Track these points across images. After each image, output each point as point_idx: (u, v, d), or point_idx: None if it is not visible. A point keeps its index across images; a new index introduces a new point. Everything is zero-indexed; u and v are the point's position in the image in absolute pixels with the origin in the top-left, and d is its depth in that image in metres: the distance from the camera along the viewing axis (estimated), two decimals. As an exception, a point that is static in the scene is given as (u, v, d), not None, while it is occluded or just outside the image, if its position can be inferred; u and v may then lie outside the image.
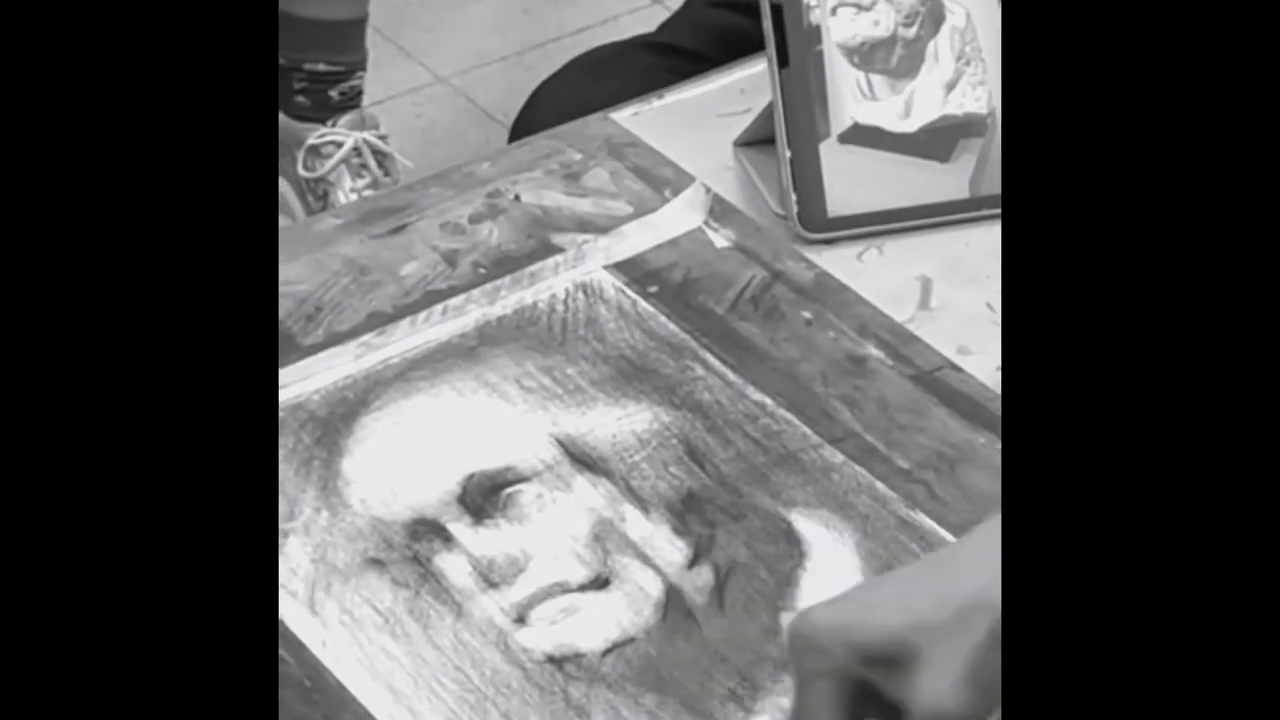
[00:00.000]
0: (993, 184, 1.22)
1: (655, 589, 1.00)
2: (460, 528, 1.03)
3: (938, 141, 1.22)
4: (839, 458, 1.06)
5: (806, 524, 1.03)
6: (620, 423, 1.08)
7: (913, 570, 0.89)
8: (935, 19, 1.22)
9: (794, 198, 1.20)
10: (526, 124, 1.48)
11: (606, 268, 1.17)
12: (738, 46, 1.36)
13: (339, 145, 2.12)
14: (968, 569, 0.81)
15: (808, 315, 1.15)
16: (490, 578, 1.00)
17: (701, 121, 1.28)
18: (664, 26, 1.61)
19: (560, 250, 1.18)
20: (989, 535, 0.83)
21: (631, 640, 0.98)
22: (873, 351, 1.13)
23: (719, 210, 1.21)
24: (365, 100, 2.22)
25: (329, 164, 2.12)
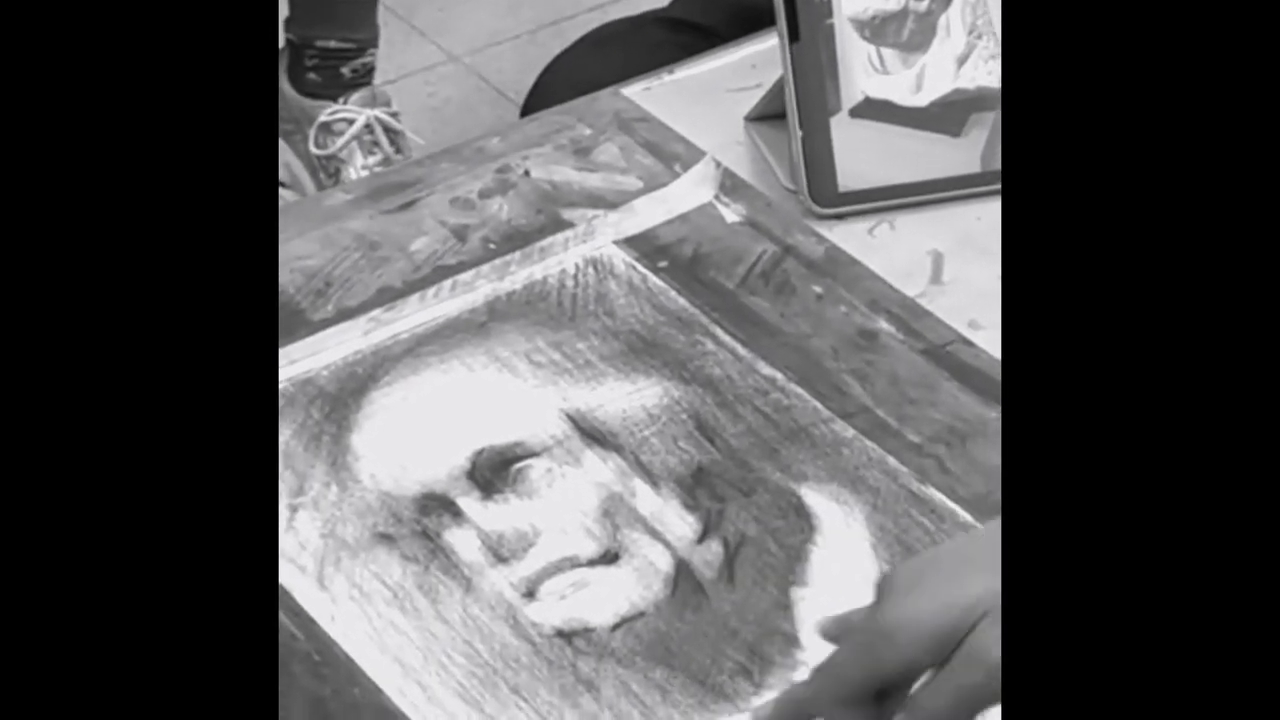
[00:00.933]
0: (1004, 158, 1.21)
1: (665, 563, 1.00)
2: (470, 502, 1.02)
3: (949, 115, 1.21)
4: (850, 432, 1.06)
5: (817, 498, 1.03)
6: (630, 398, 1.08)
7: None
8: (947, -8, 1.21)
9: (805, 172, 1.19)
10: (538, 99, 1.47)
11: (616, 243, 1.17)
12: (749, 21, 1.35)
13: (351, 122, 2.12)
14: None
15: (818, 290, 1.14)
16: (500, 552, 1.00)
17: (712, 96, 1.28)
18: (676, 1, 1.60)
19: (570, 225, 1.18)
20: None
21: (641, 615, 0.98)
22: (884, 326, 1.12)
23: (729, 185, 1.21)
24: (378, 79, 2.22)
25: (341, 141, 2.11)
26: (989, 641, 0.78)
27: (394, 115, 2.16)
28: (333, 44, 2.14)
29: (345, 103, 2.14)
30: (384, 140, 2.12)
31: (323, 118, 2.12)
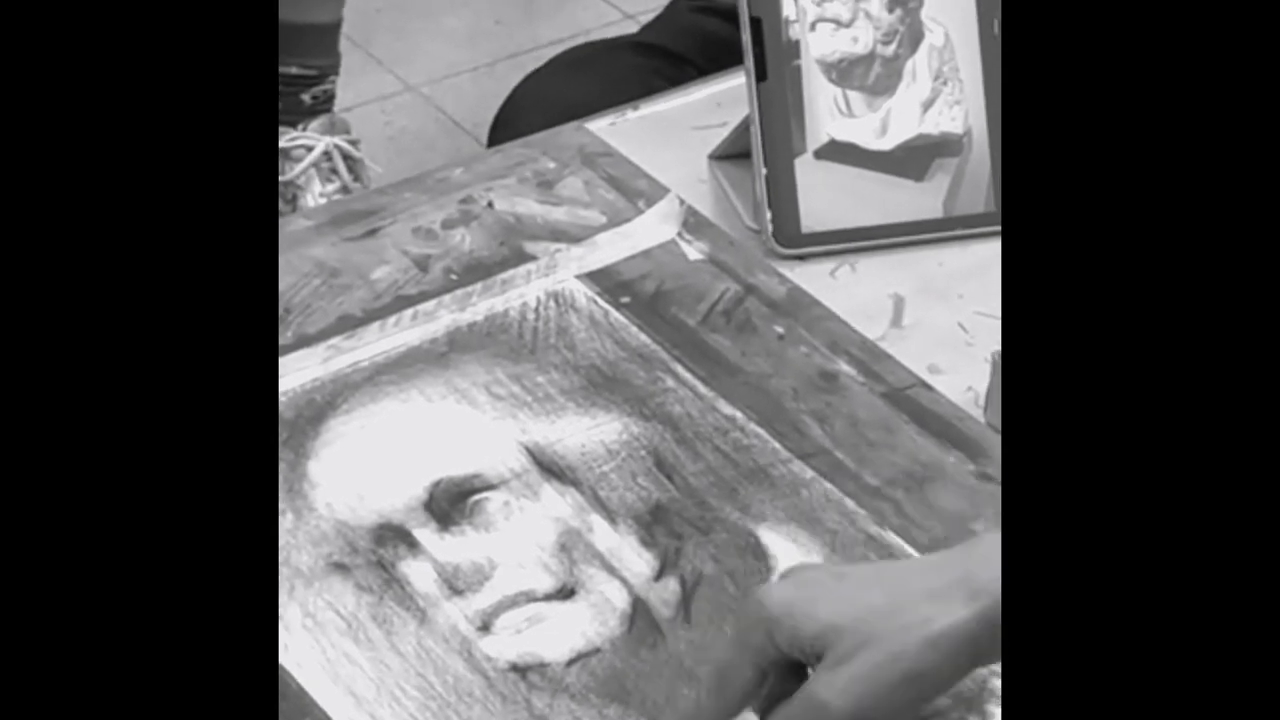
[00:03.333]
0: (967, 204, 1.22)
1: (621, 600, 1.00)
2: (426, 534, 1.02)
3: (913, 160, 1.22)
4: (808, 473, 1.06)
5: (774, 538, 1.03)
6: (589, 433, 1.08)
7: (872, 572, 0.91)
8: (914, 37, 1.22)
9: (768, 212, 1.20)
10: (508, 120, 1.48)
11: (579, 277, 1.17)
12: (719, 52, 1.36)
13: (309, 149, 2.11)
14: (918, 604, 0.85)
15: (780, 330, 1.14)
16: (455, 585, 1.00)
17: (677, 134, 1.28)
18: (647, 28, 1.61)
19: (533, 258, 1.18)
20: (952, 569, 0.85)
21: (596, 651, 0.97)
22: (844, 368, 1.12)
23: (693, 223, 1.21)
24: (335, 107, 2.21)
25: (299, 167, 2.11)
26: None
27: (354, 143, 2.15)
28: (294, 70, 2.13)
29: (304, 129, 2.13)
30: (342, 168, 2.12)
31: (282, 144, 2.11)
